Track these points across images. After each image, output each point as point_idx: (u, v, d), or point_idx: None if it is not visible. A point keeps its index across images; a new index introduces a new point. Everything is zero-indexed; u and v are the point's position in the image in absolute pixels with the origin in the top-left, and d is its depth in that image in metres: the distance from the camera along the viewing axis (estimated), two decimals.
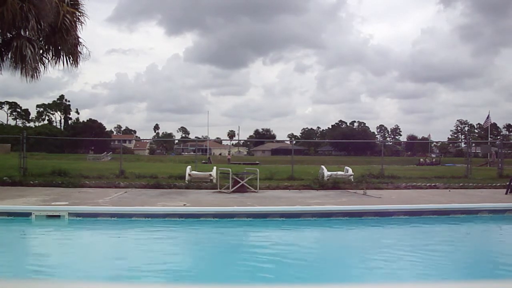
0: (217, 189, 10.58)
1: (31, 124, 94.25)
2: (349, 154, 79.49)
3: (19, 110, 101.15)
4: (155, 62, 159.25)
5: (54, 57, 13.14)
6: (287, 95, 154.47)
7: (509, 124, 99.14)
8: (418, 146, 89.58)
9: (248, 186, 10.45)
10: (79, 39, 13.14)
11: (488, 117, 45.32)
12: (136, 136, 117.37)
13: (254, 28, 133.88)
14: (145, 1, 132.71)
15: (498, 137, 67.11)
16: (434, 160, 47.52)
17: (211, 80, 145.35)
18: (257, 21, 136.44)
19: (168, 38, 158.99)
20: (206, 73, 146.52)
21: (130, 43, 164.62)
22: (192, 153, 62.59)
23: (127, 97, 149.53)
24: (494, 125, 51.38)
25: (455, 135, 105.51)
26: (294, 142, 65.49)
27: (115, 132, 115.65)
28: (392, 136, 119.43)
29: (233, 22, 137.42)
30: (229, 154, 58.90)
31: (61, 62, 13.20)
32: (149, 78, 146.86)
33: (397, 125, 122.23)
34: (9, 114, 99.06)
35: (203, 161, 34.86)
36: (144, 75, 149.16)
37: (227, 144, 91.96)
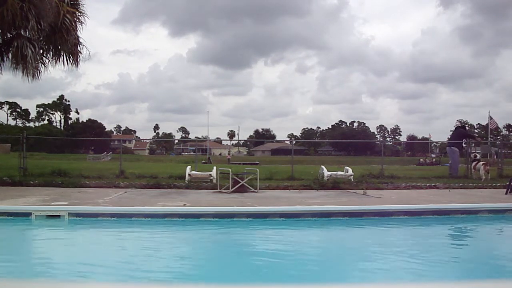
0: (217, 189, 10.57)
1: (31, 124, 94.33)
2: (349, 154, 79.58)
3: (19, 110, 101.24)
4: (158, 63, 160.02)
5: (54, 57, 13.18)
6: (288, 96, 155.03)
7: (509, 124, 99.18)
8: (418, 146, 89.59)
9: (248, 186, 10.45)
10: (79, 39, 13.18)
11: (491, 118, 45.53)
12: (136, 136, 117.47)
13: (257, 30, 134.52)
14: (149, 3, 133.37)
15: (498, 137, 67.09)
16: (434, 160, 47.61)
17: (213, 80, 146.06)
18: (260, 22, 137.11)
19: (172, 39, 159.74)
20: (208, 74, 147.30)
21: (134, 44, 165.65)
22: (192, 153, 62.59)
23: (129, 97, 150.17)
24: (495, 125, 51.42)
25: None
26: (294, 142, 65.42)
27: (115, 132, 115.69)
28: (392, 136, 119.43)
29: (236, 24, 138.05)
30: (229, 154, 58.98)
31: (61, 62, 13.23)
32: (152, 79, 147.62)
33: (397, 125, 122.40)
34: (9, 114, 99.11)
35: (203, 161, 34.88)
36: (147, 76, 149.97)
37: (227, 144, 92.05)
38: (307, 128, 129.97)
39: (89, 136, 64.63)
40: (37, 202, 7.94)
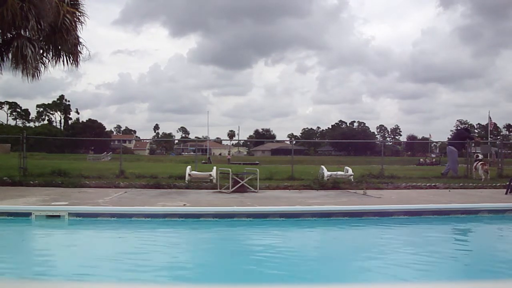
0: (217, 189, 10.57)
1: (31, 124, 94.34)
2: (349, 154, 79.61)
3: (19, 110, 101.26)
4: (158, 63, 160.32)
5: (54, 57, 13.18)
6: (288, 95, 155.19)
7: (509, 124, 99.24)
8: (418, 146, 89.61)
9: (248, 186, 10.45)
10: (80, 39, 13.19)
11: (489, 119, 45.88)
12: (136, 136, 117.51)
13: (257, 30, 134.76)
14: (150, 3, 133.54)
15: (498, 137, 67.11)
16: (434, 160, 47.61)
17: (214, 80, 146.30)
18: (260, 22, 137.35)
19: (172, 40, 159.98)
20: (209, 74, 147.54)
21: (135, 44, 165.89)
22: (192, 153, 62.60)
23: (129, 97, 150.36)
24: (494, 125, 51.65)
25: None
26: (294, 142, 65.42)
27: (115, 132, 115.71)
28: (392, 136, 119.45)
29: (236, 24, 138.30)
30: (229, 154, 58.97)
31: (61, 62, 13.24)
32: (152, 79, 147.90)
33: (397, 125, 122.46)
34: (9, 114, 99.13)
35: (203, 161, 34.90)
36: (147, 76, 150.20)
37: (227, 144, 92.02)
38: (307, 128, 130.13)
39: (89, 136, 64.66)
40: (37, 202, 7.94)
